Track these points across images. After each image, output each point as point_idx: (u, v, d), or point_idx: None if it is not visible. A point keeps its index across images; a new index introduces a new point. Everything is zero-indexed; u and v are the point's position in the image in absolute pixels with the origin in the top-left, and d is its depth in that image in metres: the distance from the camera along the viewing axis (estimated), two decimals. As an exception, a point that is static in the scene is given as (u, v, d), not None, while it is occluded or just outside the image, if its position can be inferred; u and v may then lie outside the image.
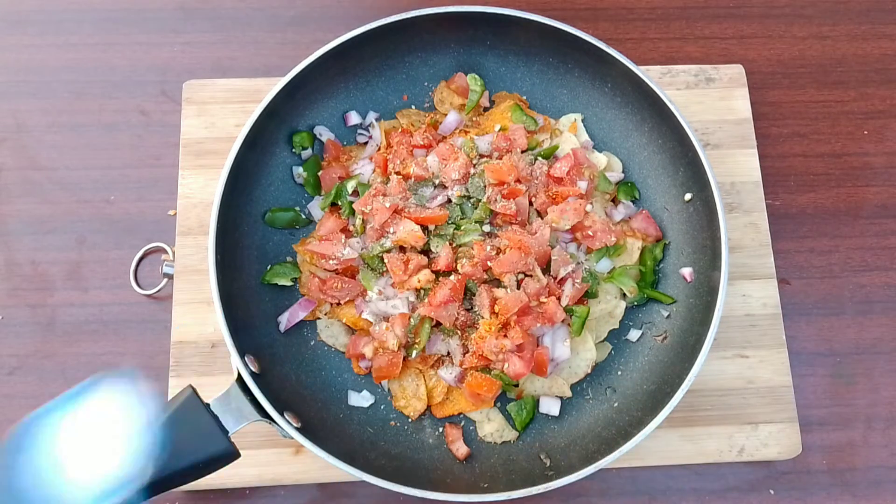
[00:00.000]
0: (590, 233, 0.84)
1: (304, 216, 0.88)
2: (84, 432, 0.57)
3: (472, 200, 0.84)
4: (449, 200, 0.84)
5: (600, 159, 0.90)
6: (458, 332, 0.80)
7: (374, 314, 0.81)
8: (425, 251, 0.82)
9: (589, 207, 0.85)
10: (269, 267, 0.85)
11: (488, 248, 0.80)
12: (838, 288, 0.92)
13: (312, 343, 0.84)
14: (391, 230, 0.81)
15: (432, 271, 0.80)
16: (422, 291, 0.80)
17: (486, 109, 0.93)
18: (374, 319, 0.81)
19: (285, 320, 0.83)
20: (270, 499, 0.82)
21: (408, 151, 0.86)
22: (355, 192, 0.86)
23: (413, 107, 0.93)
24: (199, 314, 0.84)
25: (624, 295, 0.86)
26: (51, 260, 0.91)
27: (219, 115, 0.92)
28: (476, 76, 0.91)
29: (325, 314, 0.85)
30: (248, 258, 0.84)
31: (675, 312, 0.84)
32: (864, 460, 0.86)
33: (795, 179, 0.97)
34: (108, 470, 0.57)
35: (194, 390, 0.66)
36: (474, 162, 0.85)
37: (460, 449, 0.80)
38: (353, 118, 0.92)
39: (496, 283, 0.80)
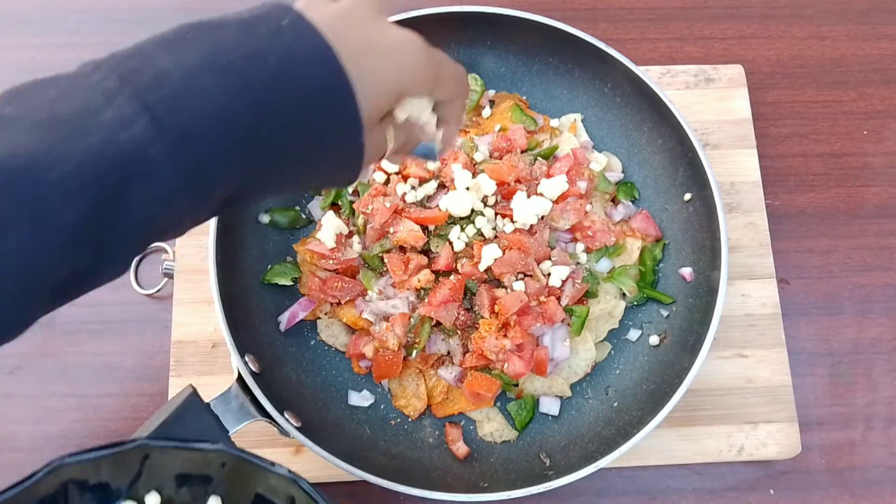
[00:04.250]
0: (589, 233, 0.85)
1: (304, 216, 0.89)
2: None
3: (472, 200, 0.84)
4: (449, 200, 0.84)
5: (600, 159, 0.90)
6: (458, 331, 0.81)
7: (374, 314, 0.81)
8: (425, 251, 0.82)
9: (589, 207, 0.86)
10: (269, 267, 0.85)
11: (488, 247, 0.80)
12: (837, 288, 0.93)
13: (312, 343, 0.85)
14: (391, 230, 0.81)
15: (432, 271, 0.80)
16: (422, 291, 0.80)
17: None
18: (374, 319, 0.81)
19: (285, 320, 0.83)
20: (270, 498, 0.82)
21: (408, 151, 0.86)
22: (355, 192, 0.86)
23: (413, 107, 0.93)
24: (199, 314, 0.84)
25: (623, 295, 0.87)
26: (51, 260, 0.91)
27: (219, 115, 0.92)
28: (476, 76, 0.91)
29: (325, 314, 0.85)
30: (248, 258, 0.84)
31: (675, 312, 0.85)
32: (864, 460, 0.86)
33: (795, 179, 0.97)
34: None
35: (194, 390, 0.66)
36: (474, 162, 0.85)
37: (460, 448, 0.80)
38: (354, 118, 0.92)
39: (496, 283, 0.80)
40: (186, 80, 0.39)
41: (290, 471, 0.51)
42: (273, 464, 0.51)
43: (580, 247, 0.86)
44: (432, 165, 0.82)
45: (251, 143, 0.41)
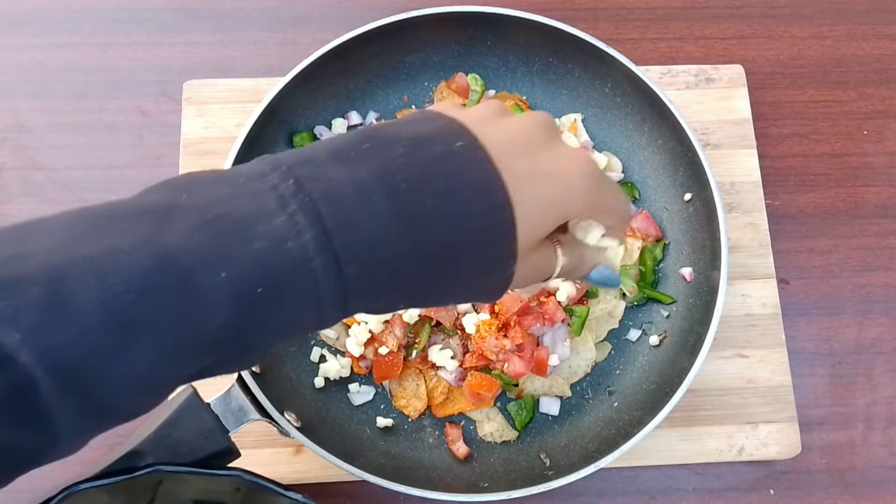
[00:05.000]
0: (590, 233, 0.84)
1: (304, 216, 0.88)
2: None
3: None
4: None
5: (600, 159, 0.90)
6: (458, 331, 0.80)
7: (374, 314, 0.81)
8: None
9: (589, 207, 0.85)
10: (269, 267, 0.85)
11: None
12: (838, 288, 0.92)
13: (312, 343, 0.85)
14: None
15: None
16: (422, 291, 0.80)
17: (486, 109, 0.93)
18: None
19: (285, 320, 0.83)
20: (270, 498, 0.81)
21: (408, 151, 0.86)
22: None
23: (413, 107, 0.94)
24: (199, 314, 0.84)
25: (624, 295, 0.87)
26: (51, 260, 0.90)
27: (219, 115, 0.92)
28: (476, 76, 0.92)
29: (326, 314, 0.85)
30: (249, 258, 0.84)
31: (675, 312, 0.85)
32: (864, 460, 0.86)
33: (795, 179, 0.97)
34: None
35: (194, 390, 0.66)
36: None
37: (460, 448, 0.80)
38: (354, 118, 0.92)
39: (496, 282, 0.80)
40: (357, 197, 0.39)
41: (304, 496, 0.51)
42: (287, 488, 0.51)
43: (580, 247, 0.85)
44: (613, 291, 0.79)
45: (404, 270, 0.41)
